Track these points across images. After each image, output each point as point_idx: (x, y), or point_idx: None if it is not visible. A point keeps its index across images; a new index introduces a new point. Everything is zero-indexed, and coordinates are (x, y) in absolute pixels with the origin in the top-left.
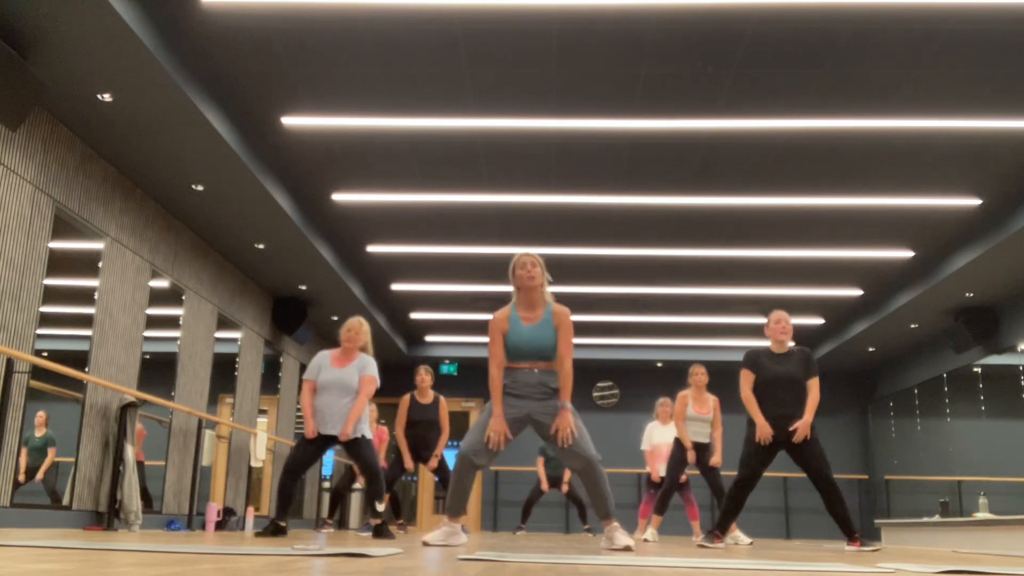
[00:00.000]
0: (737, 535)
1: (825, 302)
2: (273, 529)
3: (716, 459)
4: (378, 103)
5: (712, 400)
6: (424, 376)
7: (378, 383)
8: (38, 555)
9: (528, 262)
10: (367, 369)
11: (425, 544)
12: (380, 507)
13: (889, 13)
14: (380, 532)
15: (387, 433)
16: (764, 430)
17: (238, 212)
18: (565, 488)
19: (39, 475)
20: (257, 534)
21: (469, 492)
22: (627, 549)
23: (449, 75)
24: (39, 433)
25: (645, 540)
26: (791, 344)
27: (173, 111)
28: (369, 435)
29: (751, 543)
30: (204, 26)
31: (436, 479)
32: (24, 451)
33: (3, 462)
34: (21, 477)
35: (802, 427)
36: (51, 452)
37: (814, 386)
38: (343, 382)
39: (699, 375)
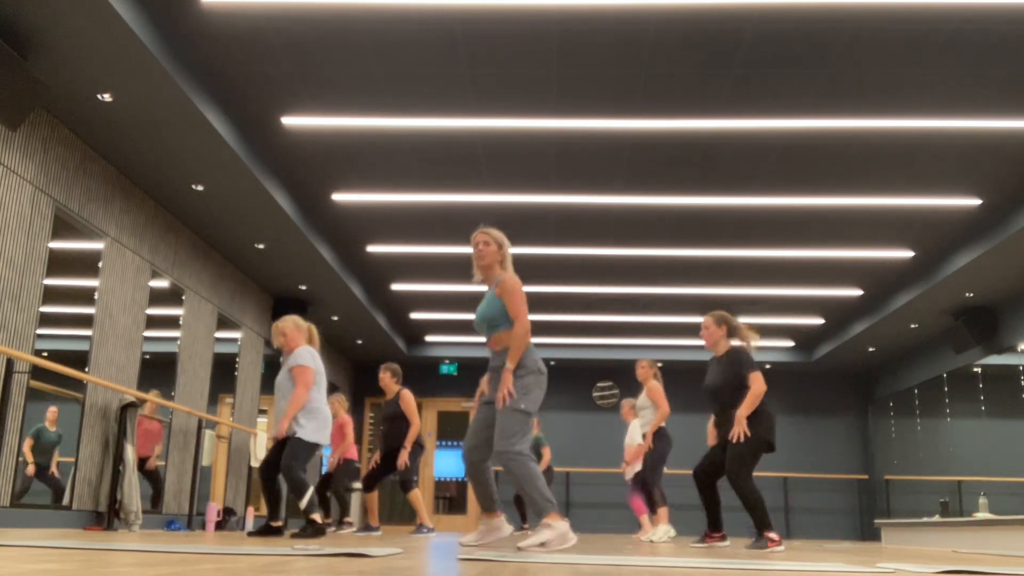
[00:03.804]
0: (663, 529)
1: (825, 302)
2: (266, 530)
3: (633, 449)
4: (378, 103)
5: (645, 388)
6: (382, 375)
7: (310, 368)
8: (38, 555)
9: (480, 240)
10: (292, 361)
11: (463, 546)
12: (301, 504)
13: (889, 13)
14: (304, 530)
15: (352, 423)
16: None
17: (238, 212)
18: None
19: (53, 469)
20: (249, 534)
21: (488, 488)
22: (541, 546)
23: (449, 75)
24: (53, 428)
25: (651, 542)
26: (734, 344)
27: (173, 111)
28: (301, 434)
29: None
30: (204, 26)
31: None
32: (30, 442)
33: (3, 462)
34: (30, 469)
35: (736, 422)
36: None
37: (753, 381)
38: (279, 384)
39: (639, 369)
